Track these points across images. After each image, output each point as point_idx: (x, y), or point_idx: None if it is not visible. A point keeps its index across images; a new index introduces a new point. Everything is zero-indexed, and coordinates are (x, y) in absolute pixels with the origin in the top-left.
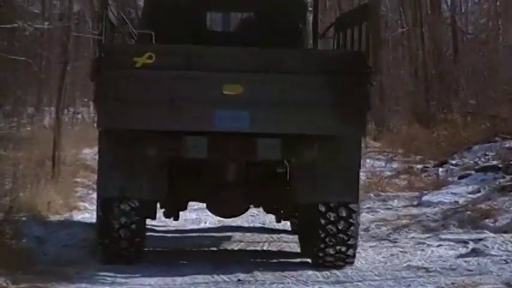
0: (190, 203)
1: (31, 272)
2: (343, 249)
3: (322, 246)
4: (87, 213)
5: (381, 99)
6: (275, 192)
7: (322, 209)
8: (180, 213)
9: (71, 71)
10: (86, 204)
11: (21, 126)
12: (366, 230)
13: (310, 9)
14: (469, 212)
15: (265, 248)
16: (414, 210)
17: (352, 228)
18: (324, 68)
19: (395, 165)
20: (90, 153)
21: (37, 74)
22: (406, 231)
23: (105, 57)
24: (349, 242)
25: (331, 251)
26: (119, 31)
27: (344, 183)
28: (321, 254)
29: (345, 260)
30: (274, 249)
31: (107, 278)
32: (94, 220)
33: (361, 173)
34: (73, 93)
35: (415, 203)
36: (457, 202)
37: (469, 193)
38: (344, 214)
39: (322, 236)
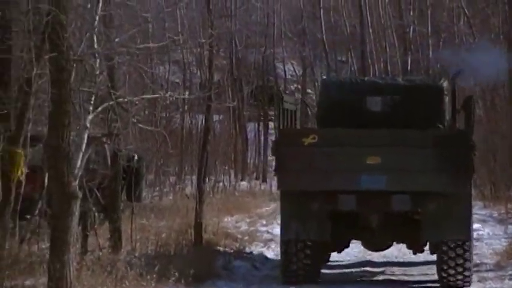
0: None
1: None
2: (460, 277)
3: (445, 275)
4: (230, 281)
5: None
6: (411, 233)
7: (444, 247)
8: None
9: (211, 139)
10: (229, 273)
11: (163, 196)
12: None
13: (446, 92)
14: None
15: None
16: None
17: (466, 262)
18: (438, 143)
19: None
20: (231, 221)
21: (178, 143)
22: None
23: (282, 138)
24: (465, 273)
25: (451, 279)
26: (296, 113)
27: (459, 226)
28: (445, 281)
29: (461, 286)
30: None
31: None
32: None
33: (503, 239)
34: (214, 162)
35: None
36: None
37: None
38: (460, 252)
39: (444, 268)
